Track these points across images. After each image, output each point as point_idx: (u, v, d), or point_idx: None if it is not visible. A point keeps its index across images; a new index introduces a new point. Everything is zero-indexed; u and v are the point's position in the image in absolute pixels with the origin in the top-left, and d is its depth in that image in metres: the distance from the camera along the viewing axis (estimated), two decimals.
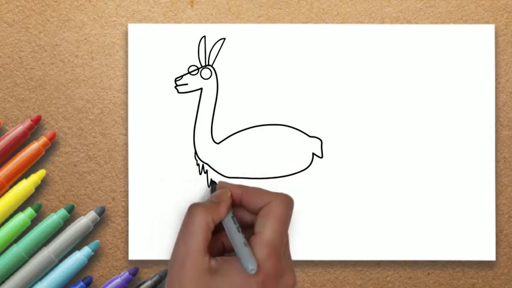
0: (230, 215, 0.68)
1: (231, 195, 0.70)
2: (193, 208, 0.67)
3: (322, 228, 0.75)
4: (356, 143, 0.75)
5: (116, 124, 0.75)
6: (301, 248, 0.75)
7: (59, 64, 0.75)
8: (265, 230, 0.66)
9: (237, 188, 0.70)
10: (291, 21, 0.75)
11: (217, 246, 0.70)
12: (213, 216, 0.67)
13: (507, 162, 0.76)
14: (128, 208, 0.75)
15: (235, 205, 0.70)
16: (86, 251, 0.74)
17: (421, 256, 0.75)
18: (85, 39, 0.75)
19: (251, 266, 0.63)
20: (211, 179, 0.74)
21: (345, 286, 0.76)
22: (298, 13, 0.75)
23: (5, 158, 0.74)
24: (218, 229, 0.68)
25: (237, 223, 0.67)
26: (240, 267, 0.64)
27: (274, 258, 0.65)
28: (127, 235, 0.75)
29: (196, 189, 0.75)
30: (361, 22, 0.76)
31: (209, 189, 0.74)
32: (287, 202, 0.68)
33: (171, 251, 0.75)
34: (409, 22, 0.76)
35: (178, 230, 0.73)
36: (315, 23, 0.75)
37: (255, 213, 0.68)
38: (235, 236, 0.66)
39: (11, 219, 0.74)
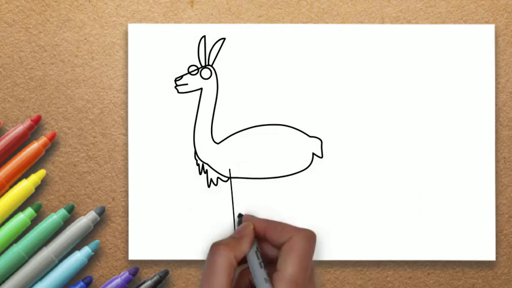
0: (254, 249, 0.68)
1: (255, 229, 0.69)
2: (214, 247, 0.67)
3: (322, 228, 0.75)
4: (356, 142, 0.75)
5: (116, 124, 0.75)
6: None
7: (59, 64, 0.75)
8: (286, 267, 0.65)
9: (261, 222, 0.70)
10: (291, 21, 0.75)
11: (245, 282, 0.69)
12: (235, 253, 0.66)
13: (507, 162, 0.76)
14: (128, 208, 0.75)
15: (260, 239, 0.70)
16: (86, 251, 0.74)
17: (421, 256, 0.75)
18: (85, 39, 0.75)
19: None
20: (239, 213, 0.74)
21: (345, 286, 0.76)
22: (298, 13, 0.75)
23: (5, 158, 0.74)
24: (246, 265, 0.68)
25: (260, 258, 0.67)
26: None
27: None
28: (127, 235, 0.75)
29: (196, 189, 0.75)
30: (361, 22, 0.76)
31: (236, 221, 0.74)
32: (309, 237, 0.67)
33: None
34: (409, 22, 0.76)
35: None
36: (315, 23, 0.75)
37: (279, 247, 0.68)
38: (257, 272, 0.66)
39: (11, 219, 0.74)
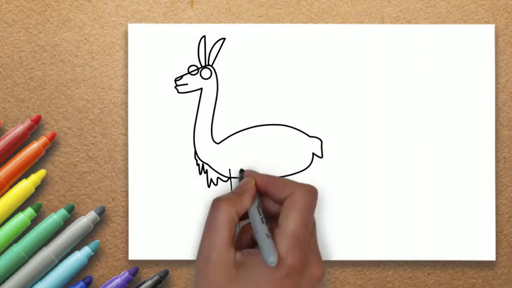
0: (256, 204, 0.68)
1: (257, 184, 0.69)
2: (216, 203, 0.67)
3: (322, 228, 0.75)
4: (356, 142, 0.75)
5: (116, 124, 0.75)
6: None
7: (59, 64, 0.75)
8: (288, 222, 0.65)
9: (262, 178, 0.69)
10: (291, 21, 0.75)
11: (246, 238, 0.69)
12: (237, 208, 0.66)
13: (507, 162, 0.76)
14: (127, 208, 0.75)
15: (262, 194, 0.69)
16: (86, 251, 0.74)
17: (421, 256, 0.75)
18: (85, 39, 0.75)
19: (272, 259, 0.62)
20: (240, 168, 0.74)
21: (345, 286, 0.76)
22: (298, 13, 0.75)
23: (5, 158, 0.74)
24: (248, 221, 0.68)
25: (261, 213, 0.67)
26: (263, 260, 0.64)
27: (297, 251, 0.64)
28: (127, 235, 0.75)
29: (196, 189, 0.75)
30: (361, 22, 0.76)
31: (238, 176, 0.74)
32: (310, 192, 0.67)
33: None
34: (409, 22, 0.76)
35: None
36: (315, 23, 0.75)
37: (280, 203, 0.68)
38: (259, 227, 0.65)
39: (11, 219, 0.74)
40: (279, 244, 0.64)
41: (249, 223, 0.69)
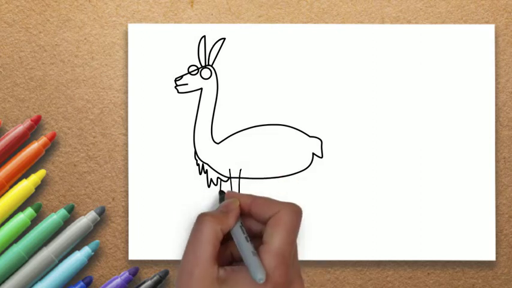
0: (239, 224, 0.68)
1: (240, 205, 0.70)
2: (202, 217, 0.67)
3: (322, 228, 0.75)
4: (356, 142, 0.75)
5: (116, 124, 0.75)
6: (301, 248, 0.75)
7: (59, 64, 0.75)
8: (274, 240, 0.66)
9: (246, 198, 0.70)
10: (291, 21, 0.75)
11: (226, 255, 0.70)
12: (222, 226, 0.67)
13: (507, 162, 0.76)
14: (127, 208, 0.75)
15: (244, 215, 0.70)
16: (86, 251, 0.74)
17: (421, 256, 0.75)
18: (85, 39, 0.75)
19: (260, 276, 0.63)
20: (220, 190, 0.74)
21: (345, 286, 0.76)
22: (298, 13, 0.75)
23: (5, 158, 0.74)
24: (226, 238, 0.69)
25: (245, 233, 0.68)
26: (248, 276, 0.64)
27: (282, 268, 0.65)
28: (127, 235, 0.75)
29: (196, 189, 0.75)
30: (361, 22, 0.76)
31: (218, 199, 0.74)
32: (295, 211, 0.68)
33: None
34: (409, 22, 0.76)
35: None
36: (315, 23, 0.75)
37: (264, 222, 0.68)
38: (244, 246, 0.66)
39: (11, 219, 0.74)
40: (265, 261, 0.65)
41: (229, 241, 0.69)
